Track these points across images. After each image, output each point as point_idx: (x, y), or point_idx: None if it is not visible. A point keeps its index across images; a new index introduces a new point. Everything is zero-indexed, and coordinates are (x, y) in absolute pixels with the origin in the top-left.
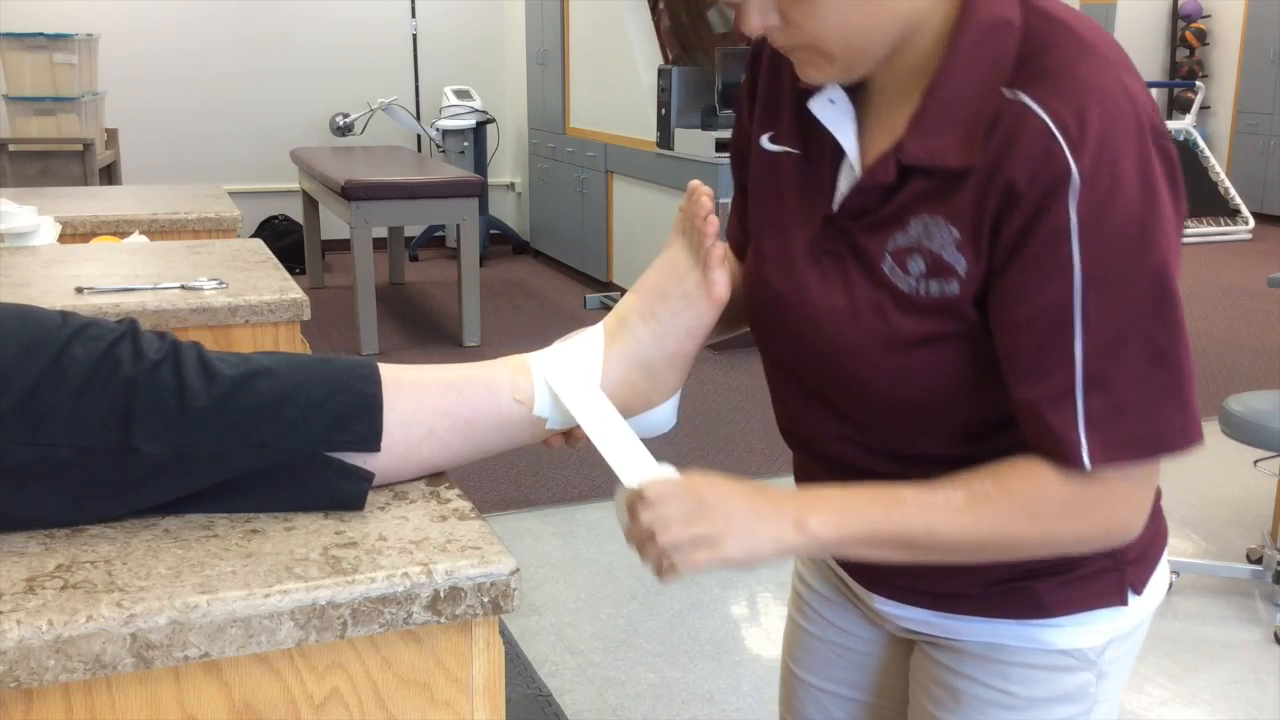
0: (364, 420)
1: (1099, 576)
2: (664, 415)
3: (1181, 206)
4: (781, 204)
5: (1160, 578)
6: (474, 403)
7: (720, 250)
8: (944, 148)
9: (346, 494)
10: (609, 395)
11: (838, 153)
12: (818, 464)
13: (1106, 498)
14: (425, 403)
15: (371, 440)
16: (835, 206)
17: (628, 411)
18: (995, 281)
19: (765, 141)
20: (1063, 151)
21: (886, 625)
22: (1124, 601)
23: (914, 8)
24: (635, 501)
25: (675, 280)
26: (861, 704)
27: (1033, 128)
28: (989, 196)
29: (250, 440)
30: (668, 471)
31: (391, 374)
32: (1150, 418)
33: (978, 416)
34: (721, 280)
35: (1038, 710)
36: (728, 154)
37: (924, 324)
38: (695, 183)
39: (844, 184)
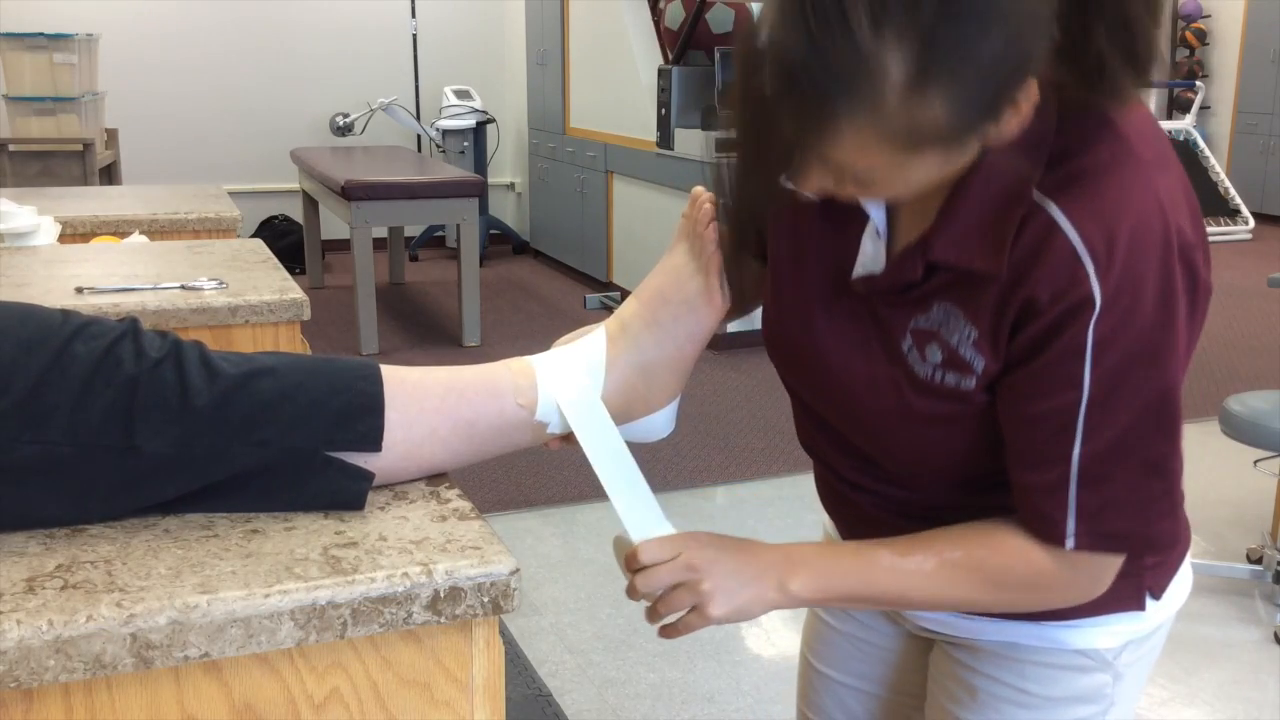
0: (365, 420)
1: (1117, 581)
2: (663, 420)
3: (1199, 314)
4: (800, 249)
5: (1182, 583)
6: (476, 405)
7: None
8: (971, 249)
9: (347, 493)
10: (610, 399)
11: (863, 213)
12: (832, 476)
13: (1074, 577)
14: (427, 404)
15: (373, 440)
16: (856, 273)
17: (628, 415)
18: (1006, 376)
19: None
20: (1088, 277)
21: (905, 624)
22: (1141, 606)
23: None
24: (631, 561)
25: (677, 286)
26: (879, 698)
27: (1060, 247)
28: (1010, 305)
29: (251, 438)
30: (665, 529)
31: (394, 375)
32: (1142, 520)
33: (989, 474)
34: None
35: (1054, 709)
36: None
37: (938, 406)
38: (698, 189)
39: (869, 246)
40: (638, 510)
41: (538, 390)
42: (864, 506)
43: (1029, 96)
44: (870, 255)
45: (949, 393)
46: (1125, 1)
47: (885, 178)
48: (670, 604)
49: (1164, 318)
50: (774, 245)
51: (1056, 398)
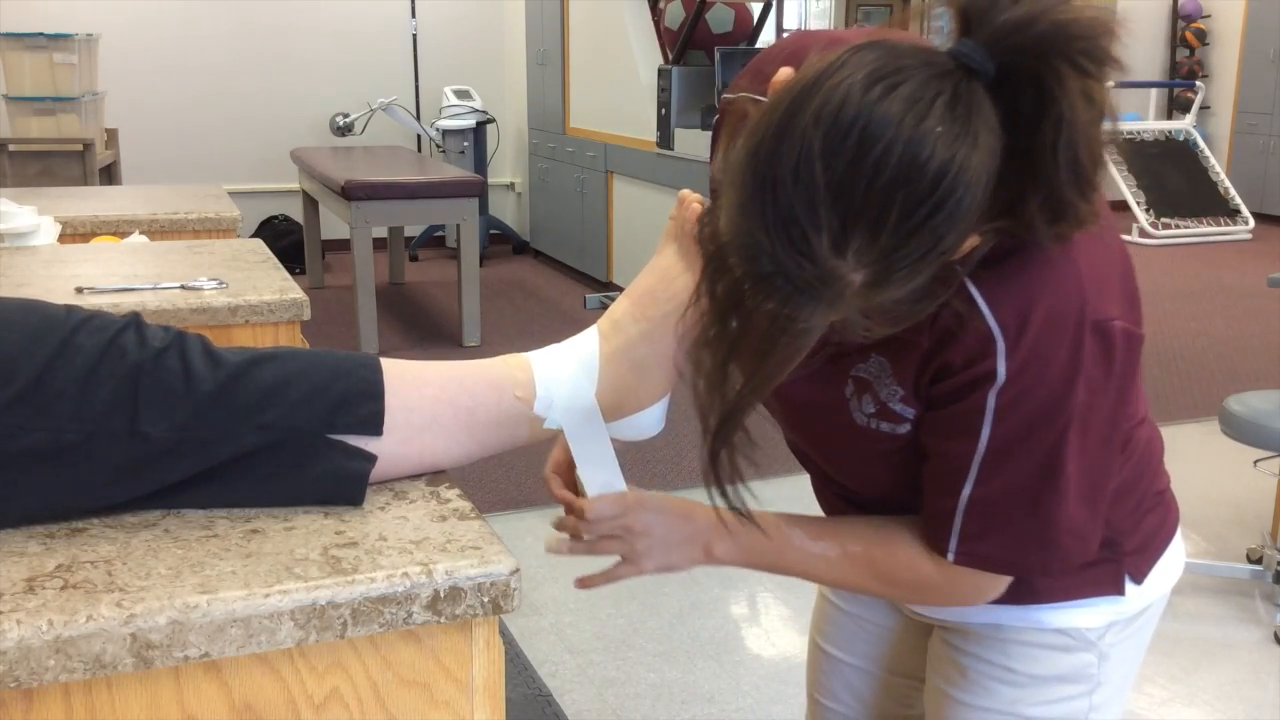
0: (366, 404)
1: (1094, 567)
2: (654, 417)
3: (1128, 368)
4: None
5: (1168, 567)
6: (476, 395)
7: None
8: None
9: (350, 473)
10: (603, 396)
11: None
12: (818, 481)
13: (953, 587)
14: (427, 391)
15: (373, 423)
16: None
17: (620, 412)
18: (926, 412)
19: None
20: (996, 354)
21: (903, 609)
22: (1120, 591)
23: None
24: (578, 511)
25: (666, 285)
26: (885, 680)
27: (976, 328)
28: (928, 368)
29: (254, 422)
30: (617, 488)
31: (394, 365)
32: (1014, 550)
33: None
34: None
35: (1039, 687)
36: None
37: (879, 447)
38: (685, 192)
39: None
40: (600, 475)
41: (535, 384)
42: (847, 510)
43: (967, 245)
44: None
45: (884, 437)
46: (1057, 181)
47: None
48: (604, 549)
49: (1068, 390)
50: None
51: (957, 443)
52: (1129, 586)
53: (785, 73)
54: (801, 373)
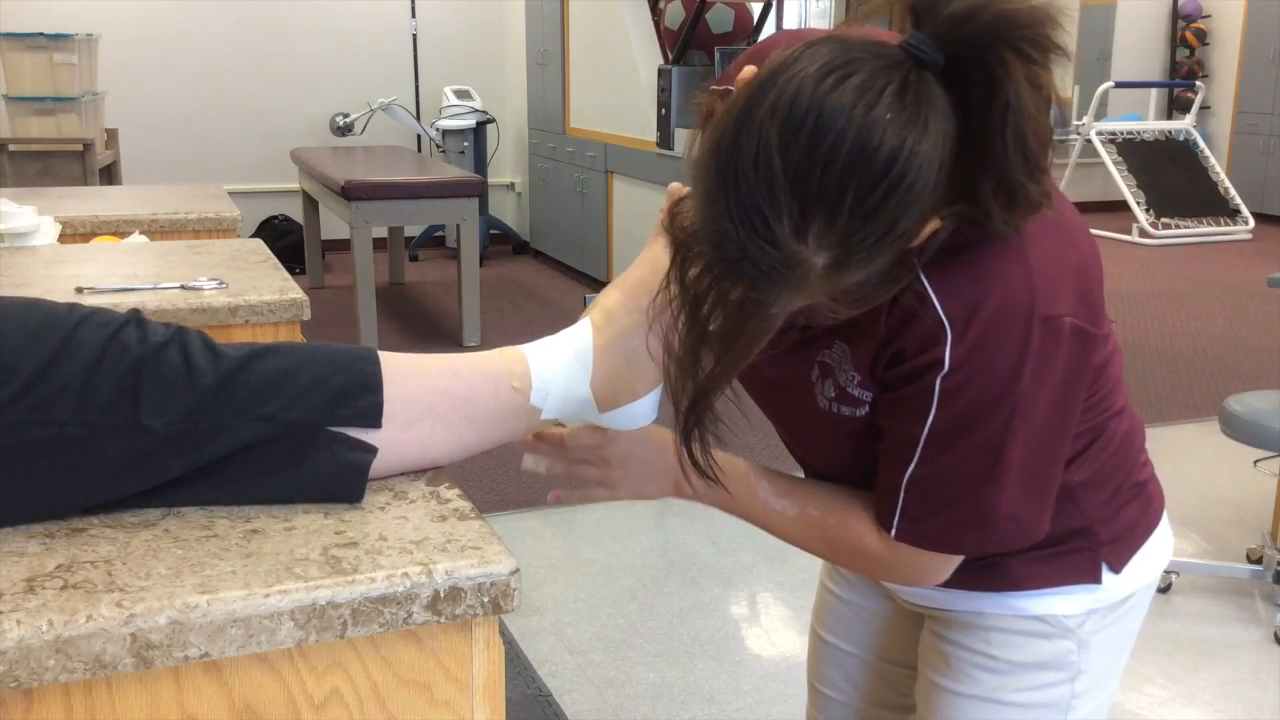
0: (365, 396)
1: (1072, 555)
2: (647, 406)
3: (1081, 364)
4: None
5: (1151, 557)
6: (473, 385)
7: None
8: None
9: (350, 465)
10: (598, 387)
11: None
12: (798, 461)
13: (895, 562)
14: (425, 381)
15: (373, 415)
16: None
17: (615, 401)
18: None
19: None
20: (944, 344)
21: (896, 598)
22: (1097, 579)
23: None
24: (554, 442)
25: (657, 276)
26: (877, 666)
27: (926, 319)
28: (883, 353)
29: (255, 414)
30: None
31: (391, 358)
32: (950, 529)
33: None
34: None
35: (1020, 674)
36: None
37: (842, 429)
38: (674, 185)
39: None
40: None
41: (531, 376)
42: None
43: (929, 228)
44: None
45: (844, 420)
46: (1006, 163)
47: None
48: (581, 474)
49: (1012, 381)
50: None
51: (904, 424)
52: (1107, 576)
53: (748, 70)
54: (770, 355)
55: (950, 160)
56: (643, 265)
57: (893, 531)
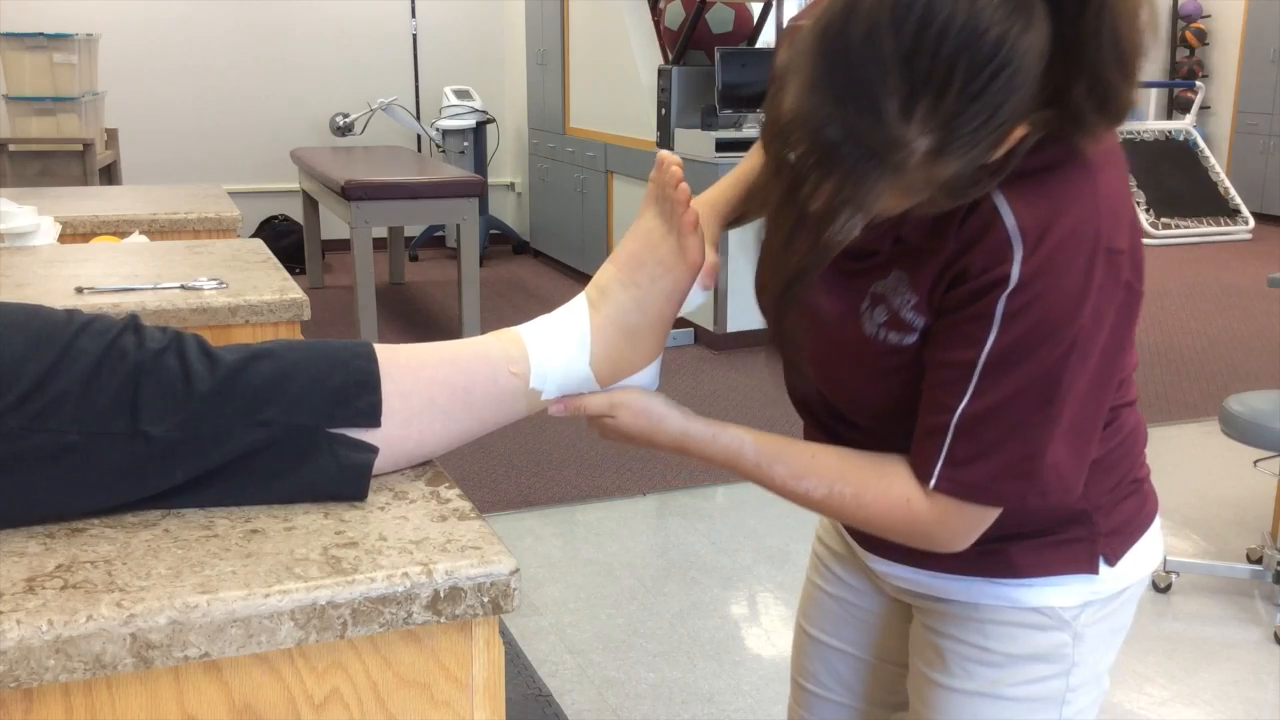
0: (363, 396)
1: (1071, 544)
2: (647, 379)
3: (1128, 319)
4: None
5: (1143, 555)
6: (471, 373)
7: (692, 216)
8: (932, 230)
9: (352, 466)
10: (597, 364)
11: None
12: (813, 424)
13: (938, 522)
14: (423, 374)
15: (371, 414)
16: None
17: (614, 377)
18: (931, 325)
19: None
20: (1013, 259)
21: (885, 586)
22: (1094, 570)
23: None
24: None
25: (650, 248)
26: (865, 663)
27: (997, 233)
28: (946, 273)
29: (254, 419)
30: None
31: (388, 351)
32: (994, 475)
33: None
34: (695, 245)
35: (1015, 667)
36: (728, 154)
37: (885, 360)
38: (664, 153)
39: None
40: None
41: (529, 359)
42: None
43: (1017, 134)
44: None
45: (890, 349)
46: (1101, 63)
47: (894, 210)
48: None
49: (1076, 309)
50: (761, 188)
51: (958, 352)
52: (1103, 568)
53: None
54: (821, 282)
55: (1047, 58)
56: (634, 238)
57: (933, 481)
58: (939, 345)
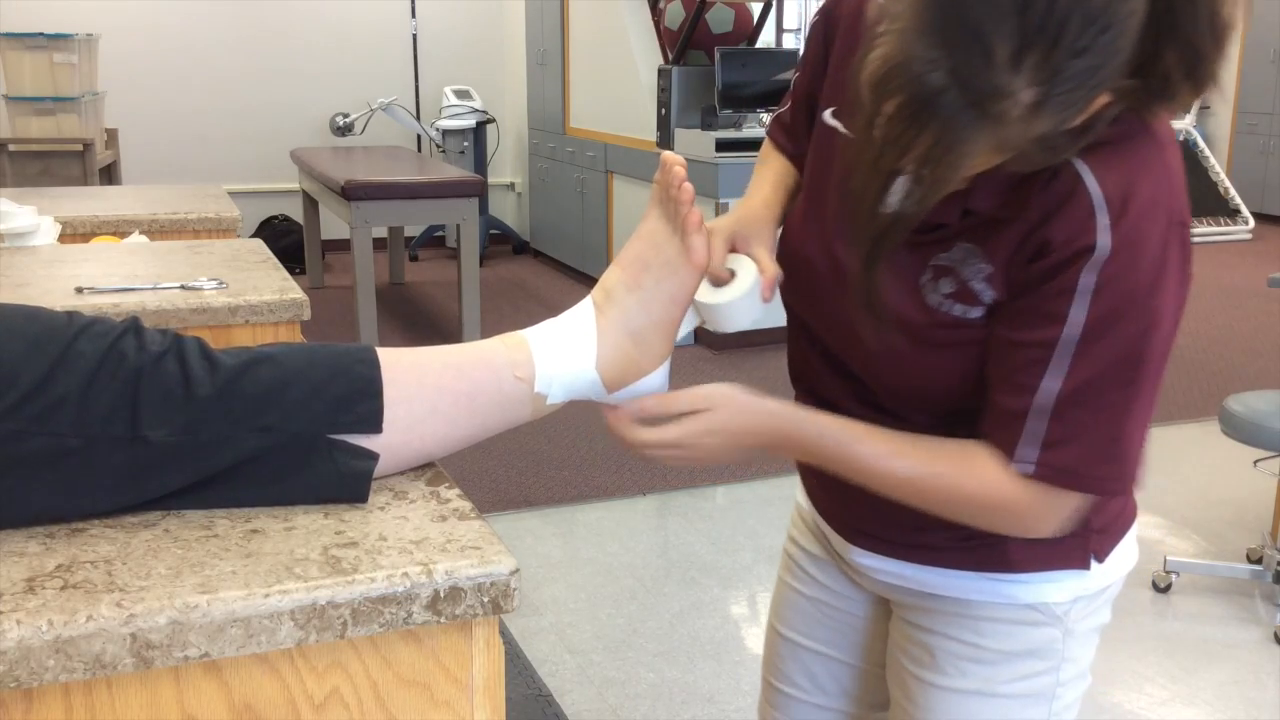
0: (364, 403)
1: (1065, 540)
2: (657, 381)
3: (1185, 290)
4: (827, 181)
5: (1126, 551)
6: (474, 379)
7: (696, 216)
8: (1006, 200)
9: (352, 473)
10: (604, 367)
11: None
12: (815, 402)
13: (1030, 506)
14: (426, 380)
15: (373, 421)
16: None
17: (622, 381)
18: (1005, 304)
19: (827, 116)
20: (1097, 227)
21: (865, 582)
22: (1086, 566)
23: None
24: (611, 421)
25: (655, 250)
26: (841, 663)
27: (1081, 201)
28: (1027, 244)
29: (255, 424)
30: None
31: (390, 356)
32: (1084, 461)
33: (972, 404)
34: (700, 245)
35: (1008, 664)
36: (728, 154)
37: (942, 334)
38: (667, 154)
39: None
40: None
41: (534, 363)
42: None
43: (1099, 101)
44: (899, 194)
45: (953, 321)
46: (1194, 31)
47: (977, 169)
48: (655, 459)
49: (1157, 282)
50: (807, 170)
51: (1040, 330)
52: (1093, 563)
53: None
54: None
55: (1143, 24)
56: (640, 240)
57: (1023, 466)
58: (1015, 325)
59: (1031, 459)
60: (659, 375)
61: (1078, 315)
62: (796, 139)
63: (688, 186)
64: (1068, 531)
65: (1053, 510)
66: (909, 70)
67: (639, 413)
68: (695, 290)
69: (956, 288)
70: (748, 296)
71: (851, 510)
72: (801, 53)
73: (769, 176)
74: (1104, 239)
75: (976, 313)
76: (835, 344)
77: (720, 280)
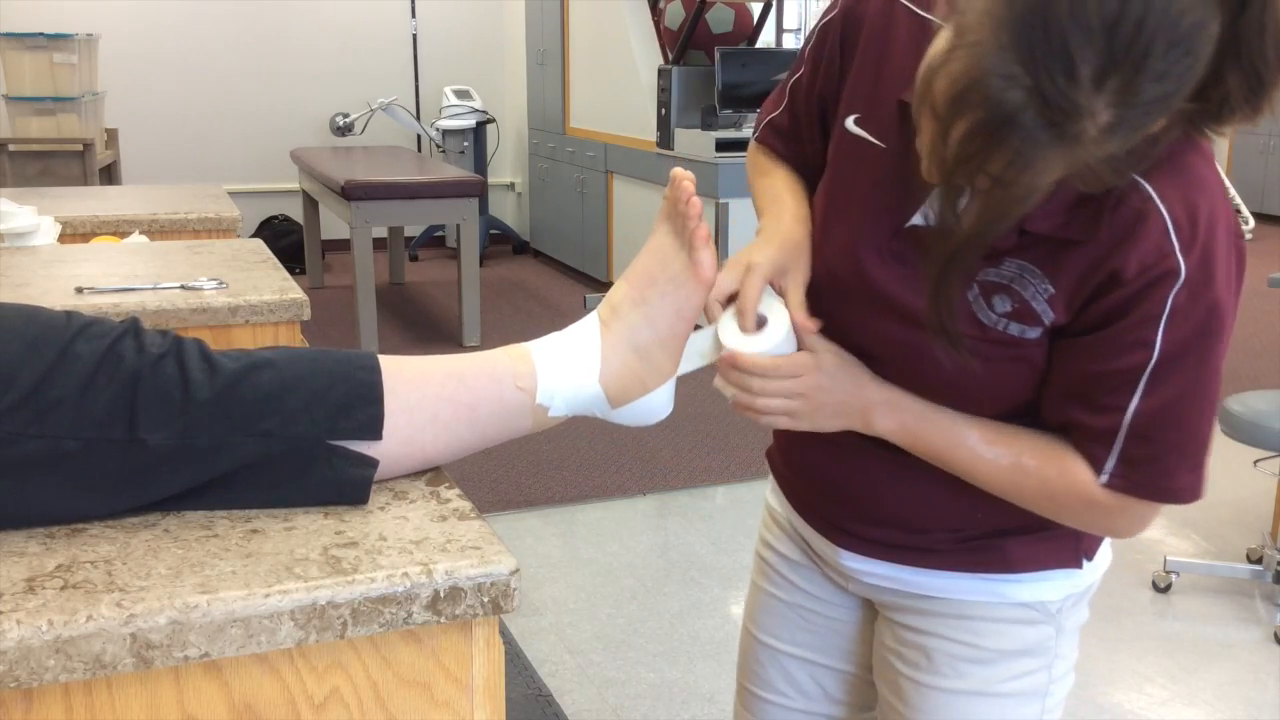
0: (365, 409)
1: (1057, 538)
2: (661, 399)
3: (1239, 296)
4: (855, 191)
5: (1105, 553)
6: (476, 389)
7: (704, 231)
8: (1067, 221)
9: (351, 480)
10: (607, 382)
11: None
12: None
13: (1119, 511)
14: (428, 389)
15: (373, 428)
16: (914, 221)
17: (626, 397)
18: (1075, 335)
19: (851, 124)
20: (1174, 251)
21: (851, 585)
22: (1079, 564)
23: None
24: (741, 364)
25: (662, 265)
26: (825, 668)
27: (1154, 224)
28: (1095, 272)
29: (254, 430)
30: (788, 347)
31: (393, 364)
32: (1169, 474)
33: (1006, 413)
34: (707, 260)
35: (1005, 662)
36: (728, 154)
37: (991, 349)
38: (677, 170)
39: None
40: (775, 331)
41: (536, 375)
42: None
43: (1160, 122)
44: (967, 215)
45: (1009, 340)
46: (1259, 56)
47: (1049, 189)
48: (766, 407)
49: (1228, 296)
50: (831, 180)
51: (1126, 358)
52: (1083, 561)
53: None
54: (896, 275)
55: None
56: (647, 255)
57: (1106, 477)
58: (1099, 358)
59: (1120, 473)
60: (663, 394)
61: (1163, 338)
62: (799, 143)
63: (696, 201)
64: (1057, 530)
65: (1139, 517)
66: (986, 87)
67: (753, 366)
68: (701, 305)
69: (1015, 306)
70: (778, 348)
71: (840, 513)
72: (803, 51)
73: (785, 187)
74: (1182, 261)
75: (1035, 333)
76: (861, 341)
77: (747, 323)
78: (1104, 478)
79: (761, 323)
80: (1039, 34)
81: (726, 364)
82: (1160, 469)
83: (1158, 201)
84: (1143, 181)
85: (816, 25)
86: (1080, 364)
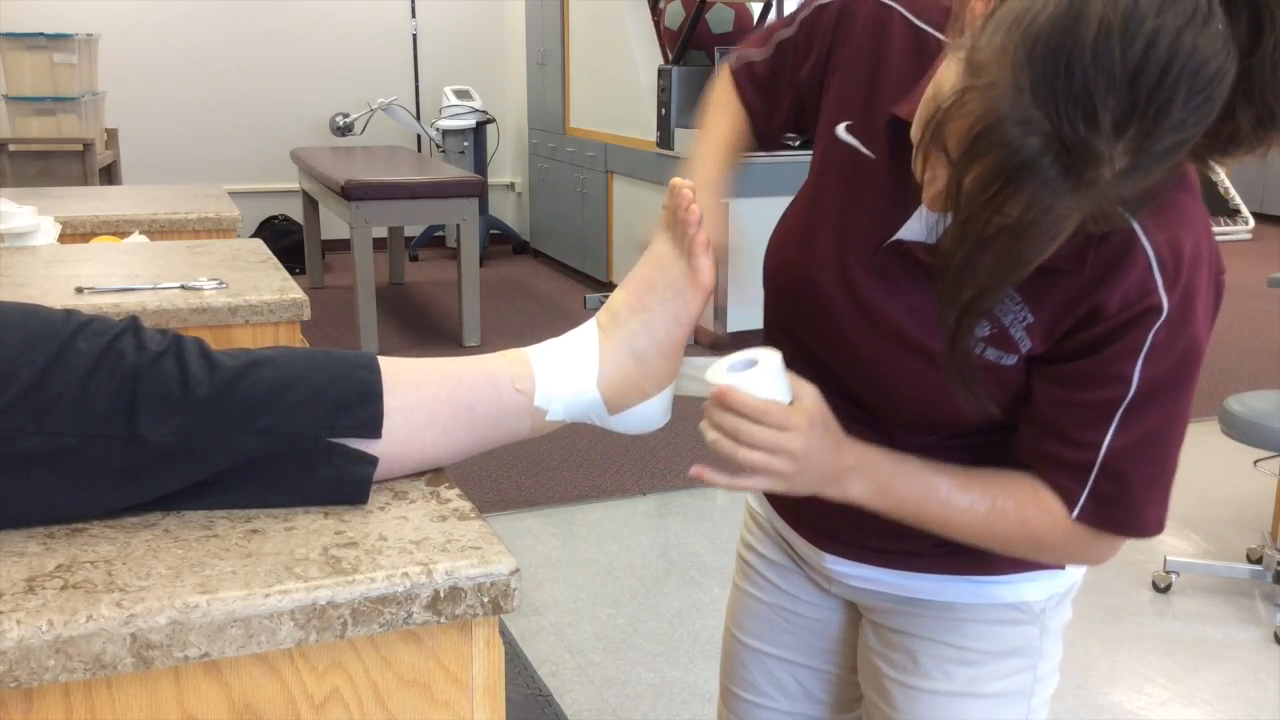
0: (365, 406)
1: None
2: (658, 408)
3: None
4: (840, 200)
5: None
6: (475, 391)
7: (703, 238)
8: (1057, 250)
9: (350, 478)
10: (605, 388)
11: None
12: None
13: (1090, 543)
14: (427, 390)
15: (373, 426)
16: (901, 235)
17: (623, 404)
18: (1053, 363)
19: (842, 131)
20: (1158, 289)
21: (834, 588)
22: (1061, 565)
23: None
24: (732, 403)
25: (661, 271)
26: (808, 669)
27: (1138, 260)
28: (1078, 305)
29: (253, 427)
30: (783, 398)
31: (392, 364)
32: (1138, 509)
33: (978, 432)
34: (706, 267)
35: (991, 663)
36: None
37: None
38: (676, 179)
39: (921, 222)
40: (770, 382)
41: (535, 378)
42: None
43: None
44: (919, 226)
45: (986, 365)
46: (1273, 96)
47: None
48: (749, 464)
49: (1205, 333)
50: (816, 187)
51: (1103, 392)
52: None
53: None
54: (879, 289)
55: None
56: (646, 263)
57: (1077, 512)
58: (1076, 387)
59: (1091, 508)
60: (660, 402)
61: (1140, 373)
62: (765, 98)
63: (695, 209)
64: None
65: (1109, 547)
66: (1004, 131)
67: (744, 407)
68: (700, 312)
69: (993, 331)
70: (769, 390)
71: (824, 518)
72: (795, 15)
73: (716, 142)
74: (1165, 299)
75: (1011, 359)
76: (834, 363)
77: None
78: (1075, 512)
79: (751, 365)
80: (1061, 79)
81: (716, 401)
82: (1130, 504)
83: (1142, 237)
84: (1128, 215)
85: (813, 3)
86: (1057, 393)
